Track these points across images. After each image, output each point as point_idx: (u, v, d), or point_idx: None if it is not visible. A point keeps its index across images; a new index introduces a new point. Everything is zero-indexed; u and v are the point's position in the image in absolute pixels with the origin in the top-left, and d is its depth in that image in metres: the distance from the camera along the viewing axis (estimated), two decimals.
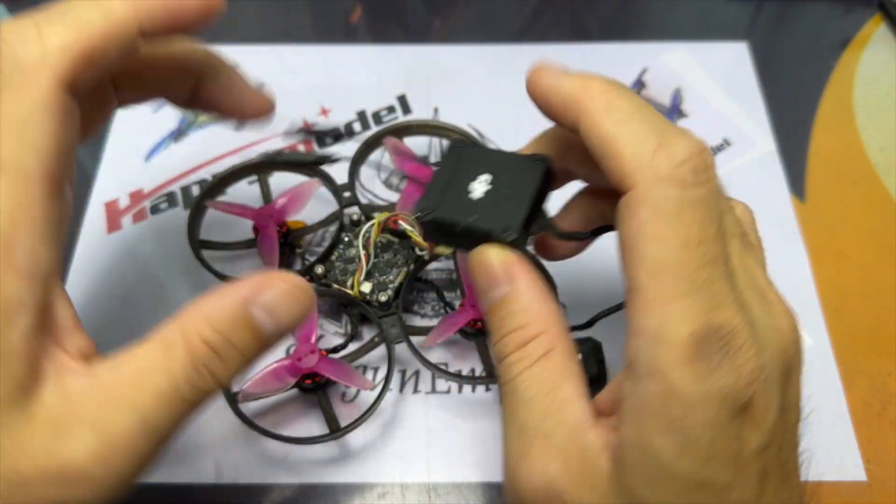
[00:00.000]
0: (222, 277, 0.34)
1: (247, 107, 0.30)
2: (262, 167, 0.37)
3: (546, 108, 0.25)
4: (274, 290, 0.22)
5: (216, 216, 0.37)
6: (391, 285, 0.34)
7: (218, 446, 0.33)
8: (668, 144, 0.21)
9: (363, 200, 0.38)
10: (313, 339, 0.32)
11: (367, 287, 0.34)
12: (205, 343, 0.21)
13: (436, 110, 0.44)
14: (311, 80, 0.45)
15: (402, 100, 0.45)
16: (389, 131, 0.38)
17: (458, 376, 0.34)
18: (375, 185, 0.41)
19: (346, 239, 0.36)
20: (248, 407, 0.32)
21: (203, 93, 0.29)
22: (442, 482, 0.32)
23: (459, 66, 0.46)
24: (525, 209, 0.25)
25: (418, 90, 0.45)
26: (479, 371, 0.34)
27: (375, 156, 0.39)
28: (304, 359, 0.31)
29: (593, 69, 0.49)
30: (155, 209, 0.40)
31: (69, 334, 0.22)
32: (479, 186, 0.26)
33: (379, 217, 0.33)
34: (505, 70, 0.46)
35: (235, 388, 0.31)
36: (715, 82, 0.45)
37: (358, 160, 0.38)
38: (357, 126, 0.43)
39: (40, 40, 0.21)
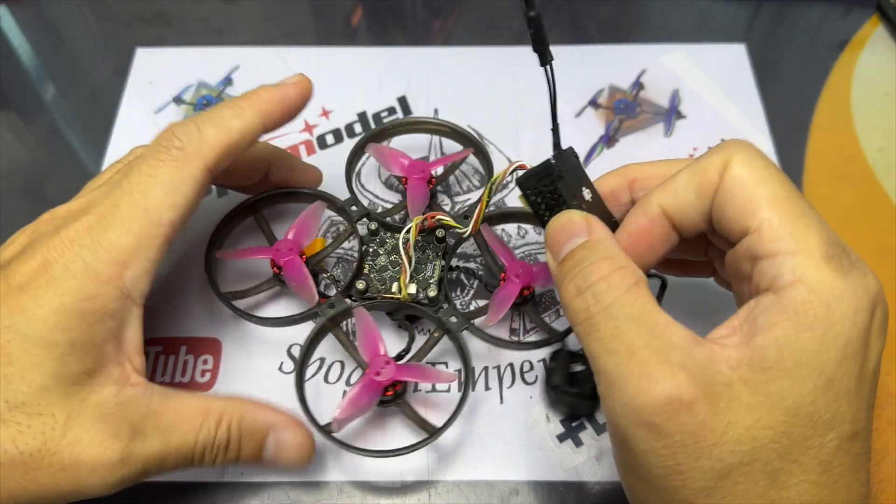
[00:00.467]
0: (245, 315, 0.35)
1: (307, 182, 0.37)
2: (256, 205, 0.37)
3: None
4: (292, 436, 0.30)
5: (227, 265, 0.37)
6: (432, 280, 0.35)
7: None
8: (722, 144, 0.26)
9: (364, 202, 0.38)
10: (382, 352, 0.31)
11: (412, 288, 0.34)
12: (228, 432, 0.28)
13: (436, 111, 0.44)
14: (311, 81, 0.46)
15: (403, 101, 0.45)
16: (370, 138, 0.39)
17: (538, 343, 0.34)
18: (375, 187, 0.41)
19: (371, 250, 0.36)
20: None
21: (273, 177, 0.36)
22: (442, 480, 0.32)
23: (459, 68, 0.46)
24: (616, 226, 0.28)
25: (418, 92, 0.45)
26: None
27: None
28: (381, 372, 0.31)
29: (593, 70, 0.49)
30: None
31: (136, 354, 0.28)
32: (583, 196, 0.28)
33: (416, 219, 0.33)
34: (504, 72, 0.46)
35: (326, 421, 0.30)
36: (713, 83, 0.46)
37: (350, 170, 0.38)
38: (357, 127, 0.44)
39: (200, 135, 0.29)
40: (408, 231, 0.33)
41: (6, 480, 0.24)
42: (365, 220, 0.37)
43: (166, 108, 0.45)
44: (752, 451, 0.21)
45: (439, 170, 0.39)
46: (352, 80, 0.46)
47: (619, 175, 0.29)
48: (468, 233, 0.33)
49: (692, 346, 0.22)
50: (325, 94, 0.45)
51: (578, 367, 0.32)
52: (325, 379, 0.35)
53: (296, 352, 0.36)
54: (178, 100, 0.45)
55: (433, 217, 0.33)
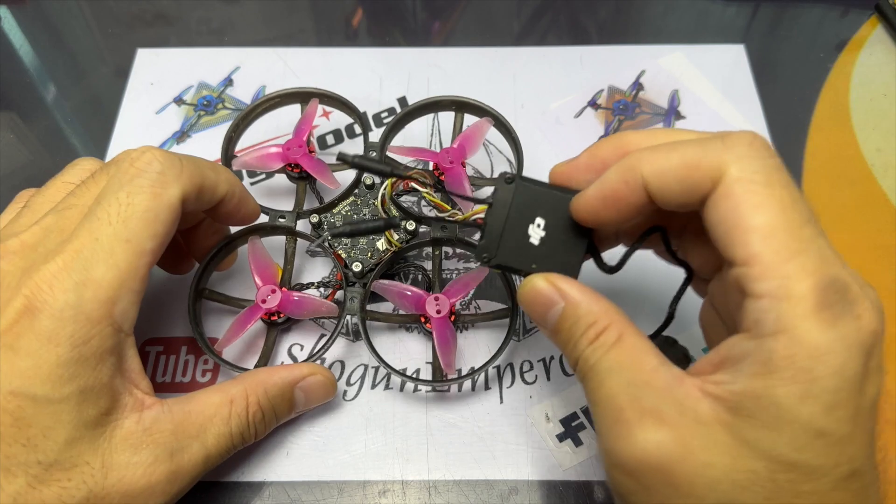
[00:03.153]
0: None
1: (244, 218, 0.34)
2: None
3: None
4: (315, 379, 0.32)
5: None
6: (370, 259, 0.36)
7: None
8: (728, 134, 0.23)
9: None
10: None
11: (394, 235, 0.35)
12: (259, 407, 0.30)
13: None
14: (312, 83, 0.46)
15: (403, 101, 0.45)
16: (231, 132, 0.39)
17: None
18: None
19: (357, 200, 0.37)
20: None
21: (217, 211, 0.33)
22: (442, 480, 0.32)
23: (459, 69, 0.46)
24: (580, 257, 0.27)
25: (418, 92, 0.45)
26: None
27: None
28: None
29: (592, 71, 0.49)
30: None
31: (140, 378, 0.28)
32: (536, 231, 0.27)
33: (390, 180, 0.34)
34: (504, 72, 0.46)
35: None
36: (712, 84, 0.46)
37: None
38: (357, 128, 0.44)
39: (180, 164, 0.28)
40: (384, 188, 0.34)
41: None
42: (299, 218, 0.37)
43: (167, 109, 0.45)
44: (733, 494, 0.21)
45: (313, 135, 0.40)
46: (352, 80, 0.46)
47: (614, 145, 0.26)
48: (451, 215, 0.34)
49: (674, 386, 0.22)
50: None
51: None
52: None
53: (296, 352, 0.36)
54: (178, 100, 0.45)
55: (407, 184, 0.34)
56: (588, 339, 0.24)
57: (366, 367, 0.35)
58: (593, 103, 0.45)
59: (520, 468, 0.32)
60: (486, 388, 0.35)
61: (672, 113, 0.45)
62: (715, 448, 0.21)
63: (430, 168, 0.37)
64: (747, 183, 0.22)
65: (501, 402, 0.34)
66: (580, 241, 0.27)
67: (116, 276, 0.25)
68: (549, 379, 0.35)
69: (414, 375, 0.35)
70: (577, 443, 0.33)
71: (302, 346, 0.36)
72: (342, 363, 0.35)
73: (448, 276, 0.38)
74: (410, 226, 0.35)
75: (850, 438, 0.21)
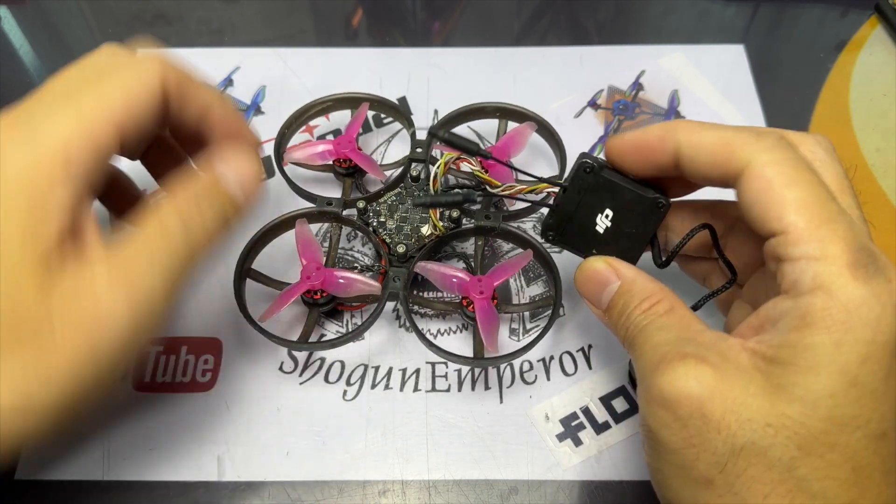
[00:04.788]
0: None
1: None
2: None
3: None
4: (235, 166, 0.27)
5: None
6: (414, 245, 0.36)
7: (220, 443, 0.33)
8: (760, 129, 0.26)
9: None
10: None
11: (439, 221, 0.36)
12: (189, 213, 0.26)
13: (436, 112, 0.44)
14: (312, 83, 0.46)
15: (403, 102, 0.45)
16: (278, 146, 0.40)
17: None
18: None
19: (376, 222, 0.37)
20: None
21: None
22: (442, 480, 0.32)
23: (459, 69, 0.46)
24: (641, 251, 0.29)
25: (418, 93, 0.45)
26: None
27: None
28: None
29: (592, 71, 0.49)
30: None
31: (95, 236, 0.24)
32: (603, 221, 0.29)
33: (445, 157, 0.34)
34: (504, 72, 0.46)
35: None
36: (712, 84, 0.46)
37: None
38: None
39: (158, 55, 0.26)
40: (437, 168, 0.34)
41: None
42: (345, 207, 0.37)
43: None
44: (764, 436, 0.21)
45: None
46: (352, 80, 0.46)
47: (665, 133, 0.27)
48: (503, 191, 0.32)
49: (718, 342, 0.24)
50: (326, 94, 0.45)
51: None
52: (326, 379, 0.35)
53: (298, 354, 0.36)
54: None
55: (460, 162, 0.34)
56: (641, 308, 0.26)
57: (366, 367, 0.35)
58: (593, 103, 0.45)
59: (520, 468, 0.32)
60: (486, 388, 0.35)
61: (672, 113, 0.45)
62: (751, 389, 0.22)
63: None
64: (777, 166, 0.24)
65: (501, 402, 0.34)
66: (643, 238, 0.29)
67: (76, 126, 0.23)
68: (549, 379, 0.35)
69: (413, 375, 0.35)
70: (577, 443, 0.33)
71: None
72: (342, 363, 0.35)
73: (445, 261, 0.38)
74: (455, 214, 0.36)
75: (883, 395, 0.22)
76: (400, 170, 0.39)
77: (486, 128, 0.43)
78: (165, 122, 0.28)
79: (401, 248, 0.36)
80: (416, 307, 0.37)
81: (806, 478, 0.21)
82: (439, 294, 0.37)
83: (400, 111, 0.41)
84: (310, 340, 0.35)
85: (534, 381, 0.35)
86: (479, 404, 0.34)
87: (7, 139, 0.23)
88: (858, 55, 0.47)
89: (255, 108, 0.45)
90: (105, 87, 0.25)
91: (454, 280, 0.34)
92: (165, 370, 0.35)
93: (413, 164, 0.39)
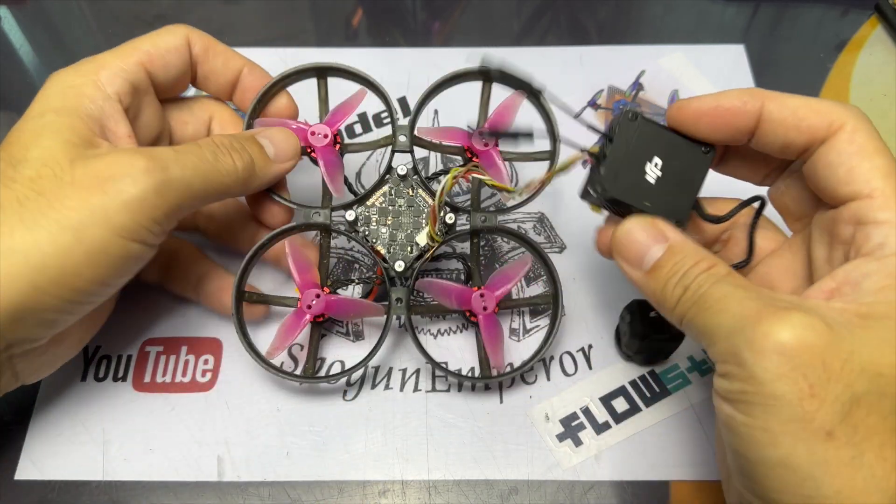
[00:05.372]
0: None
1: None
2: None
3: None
4: (271, 132, 0.33)
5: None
6: (410, 255, 0.34)
7: (220, 443, 0.33)
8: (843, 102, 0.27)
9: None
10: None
11: (437, 230, 0.34)
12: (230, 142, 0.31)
13: (436, 112, 0.44)
14: (312, 83, 0.46)
15: (403, 102, 0.45)
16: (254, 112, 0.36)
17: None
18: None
19: (368, 231, 0.35)
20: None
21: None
22: (442, 480, 0.32)
23: (459, 69, 0.46)
24: (692, 200, 0.28)
25: (418, 92, 0.45)
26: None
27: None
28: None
29: (592, 71, 0.49)
30: None
31: (127, 137, 0.30)
32: (653, 171, 0.28)
33: (454, 171, 0.32)
34: None
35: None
36: (712, 84, 0.46)
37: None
38: (358, 128, 0.44)
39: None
40: (444, 184, 0.32)
41: None
42: (333, 211, 0.35)
43: None
44: (878, 383, 0.21)
45: (344, 124, 0.37)
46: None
47: (749, 97, 0.27)
48: (520, 194, 0.32)
49: (799, 299, 0.24)
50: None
51: (655, 313, 0.31)
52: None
53: (296, 352, 0.36)
54: None
55: (469, 174, 0.33)
56: (701, 268, 0.25)
57: (365, 367, 0.35)
58: (593, 103, 0.45)
59: (520, 468, 0.32)
60: (486, 388, 0.35)
61: None
62: (859, 341, 0.22)
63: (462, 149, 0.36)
64: (866, 133, 0.25)
65: (501, 402, 0.34)
66: (693, 188, 0.28)
67: (109, 59, 0.31)
68: (549, 379, 0.35)
69: (413, 375, 0.35)
70: (577, 443, 0.33)
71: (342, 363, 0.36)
72: (342, 363, 0.35)
73: (447, 276, 0.38)
74: (449, 219, 0.34)
75: None
76: (385, 164, 0.36)
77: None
78: (196, 74, 0.34)
79: (399, 266, 0.34)
80: (422, 329, 0.36)
81: None
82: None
83: (376, 86, 0.37)
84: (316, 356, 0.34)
85: (534, 382, 0.35)
86: (479, 404, 0.34)
87: (61, 70, 0.31)
88: (858, 55, 0.47)
89: None
90: (137, 40, 0.32)
91: (455, 295, 0.34)
92: (166, 370, 0.35)
93: (399, 165, 0.36)
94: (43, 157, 0.27)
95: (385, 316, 0.33)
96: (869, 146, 0.25)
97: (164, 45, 0.32)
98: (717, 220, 0.29)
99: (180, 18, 0.49)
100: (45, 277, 0.25)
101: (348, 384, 0.35)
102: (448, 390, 0.35)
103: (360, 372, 0.35)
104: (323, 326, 0.35)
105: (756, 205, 0.29)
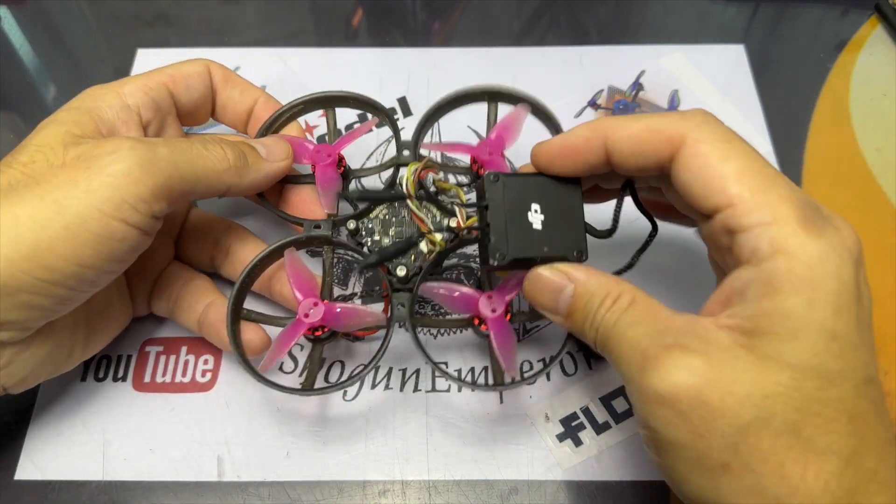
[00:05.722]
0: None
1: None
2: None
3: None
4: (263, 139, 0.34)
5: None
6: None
7: (220, 443, 0.33)
8: (683, 111, 0.27)
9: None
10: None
11: (437, 236, 0.32)
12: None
13: (438, 124, 0.44)
14: (312, 83, 0.46)
15: (403, 102, 0.45)
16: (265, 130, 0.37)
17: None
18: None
19: (370, 242, 0.34)
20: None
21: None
22: (442, 480, 0.32)
23: (459, 69, 0.46)
24: (583, 228, 0.29)
25: (418, 93, 0.45)
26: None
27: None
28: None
29: (592, 71, 0.49)
30: None
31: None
32: (535, 217, 0.28)
33: (410, 166, 0.32)
34: (504, 72, 0.46)
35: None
36: (712, 84, 0.46)
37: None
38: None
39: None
40: (405, 180, 0.31)
41: None
42: (335, 226, 0.34)
43: None
44: (764, 407, 0.22)
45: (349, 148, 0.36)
46: (352, 81, 0.46)
47: (591, 132, 0.28)
48: (460, 229, 0.32)
49: (691, 325, 0.24)
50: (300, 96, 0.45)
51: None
52: (326, 379, 0.35)
53: (296, 351, 0.36)
54: None
55: (426, 172, 0.32)
56: (605, 307, 0.26)
57: (365, 367, 0.35)
58: (593, 103, 0.45)
59: (520, 468, 0.32)
60: (487, 384, 0.35)
61: None
62: (740, 367, 0.22)
63: (468, 162, 0.36)
64: (709, 142, 0.25)
65: (501, 402, 0.34)
66: (577, 214, 0.29)
67: (136, 80, 0.33)
68: (548, 379, 0.35)
69: (413, 375, 0.35)
70: (577, 443, 0.33)
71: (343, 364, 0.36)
72: (342, 363, 0.35)
73: (449, 276, 0.38)
74: (454, 223, 0.33)
75: (861, 344, 0.22)
76: (389, 175, 0.36)
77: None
78: (215, 105, 0.36)
79: (401, 272, 0.33)
80: (423, 329, 0.35)
81: (811, 437, 0.21)
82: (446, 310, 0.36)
83: (379, 108, 0.37)
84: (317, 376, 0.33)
85: (534, 381, 0.35)
86: (479, 404, 0.34)
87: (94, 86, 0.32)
88: (858, 55, 0.47)
89: None
90: (161, 67, 0.34)
91: (461, 300, 0.31)
92: (165, 370, 0.35)
93: (402, 171, 0.35)
94: (38, 143, 0.28)
95: (386, 325, 0.32)
96: (714, 154, 0.24)
97: (187, 69, 0.34)
98: (608, 233, 0.29)
99: (180, 18, 0.50)
100: (19, 252, 0.25)
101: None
102: (448, 390, 0.35)
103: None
104: (325, 343, 0.33)
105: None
